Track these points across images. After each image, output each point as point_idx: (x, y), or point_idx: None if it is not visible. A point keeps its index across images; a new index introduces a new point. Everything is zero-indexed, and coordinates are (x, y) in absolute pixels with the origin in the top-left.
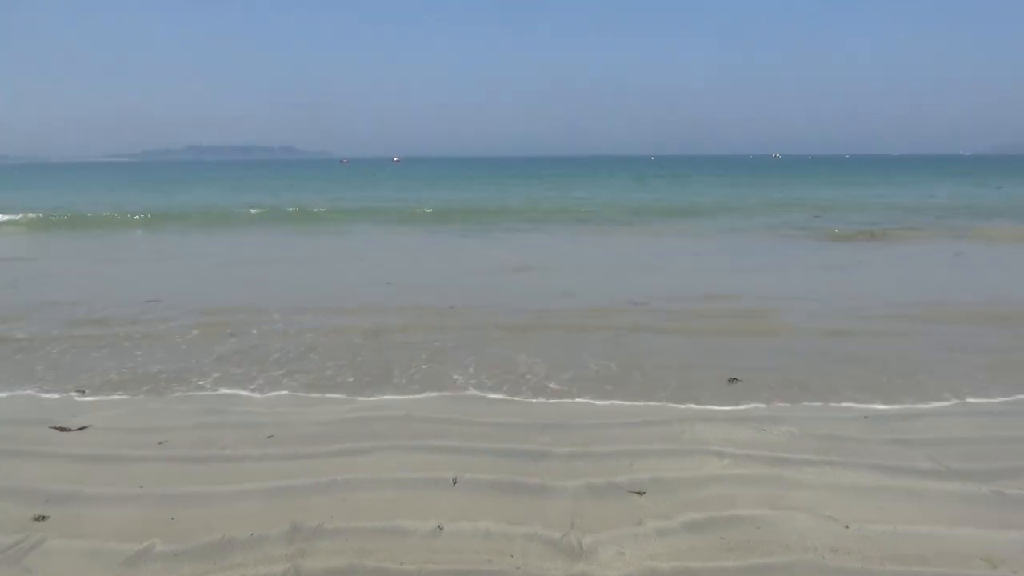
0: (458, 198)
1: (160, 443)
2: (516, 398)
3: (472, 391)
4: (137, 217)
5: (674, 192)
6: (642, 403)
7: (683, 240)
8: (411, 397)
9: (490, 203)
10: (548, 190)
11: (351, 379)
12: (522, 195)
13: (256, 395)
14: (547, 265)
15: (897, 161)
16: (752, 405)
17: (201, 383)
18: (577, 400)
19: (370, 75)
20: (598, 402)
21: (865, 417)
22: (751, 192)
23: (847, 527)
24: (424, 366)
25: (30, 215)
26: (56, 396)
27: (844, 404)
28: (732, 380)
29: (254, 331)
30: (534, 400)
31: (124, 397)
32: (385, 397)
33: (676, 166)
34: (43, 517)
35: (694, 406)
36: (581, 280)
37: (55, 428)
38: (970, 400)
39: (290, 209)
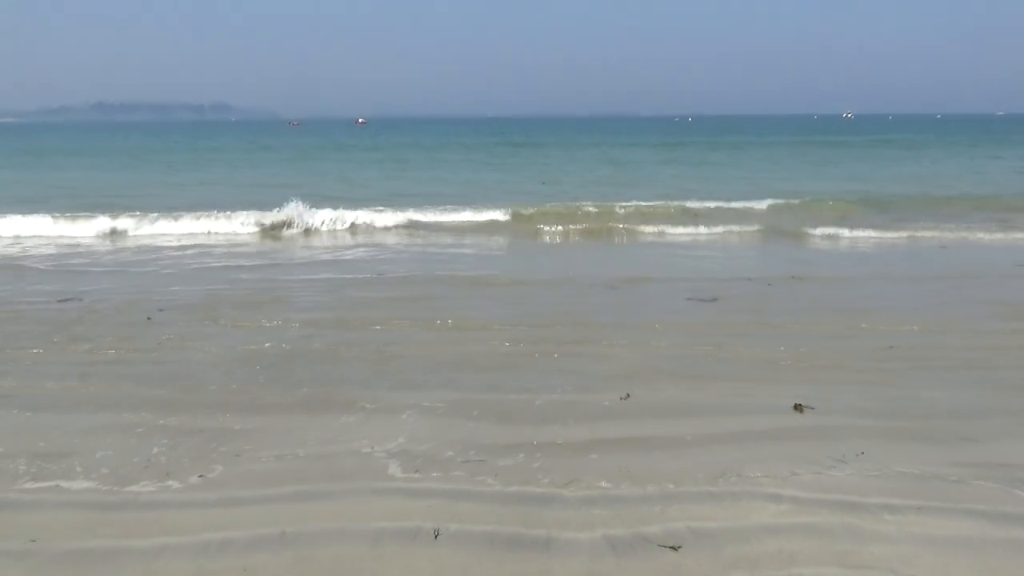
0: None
1: (57, 485)
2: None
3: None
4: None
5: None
6: (679, 433)
7: None
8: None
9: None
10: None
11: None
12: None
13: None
14: None
15: (1010, 123)
16: (819, 436)
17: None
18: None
19: (323, 20)
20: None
21: (961, 449)
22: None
23: None
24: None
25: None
26: None
27: (934, 434)
28: (797, 407)
29: None
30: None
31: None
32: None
33: (737, 129)
34: None
35: (744, 437)
36: None
37: None
38: None
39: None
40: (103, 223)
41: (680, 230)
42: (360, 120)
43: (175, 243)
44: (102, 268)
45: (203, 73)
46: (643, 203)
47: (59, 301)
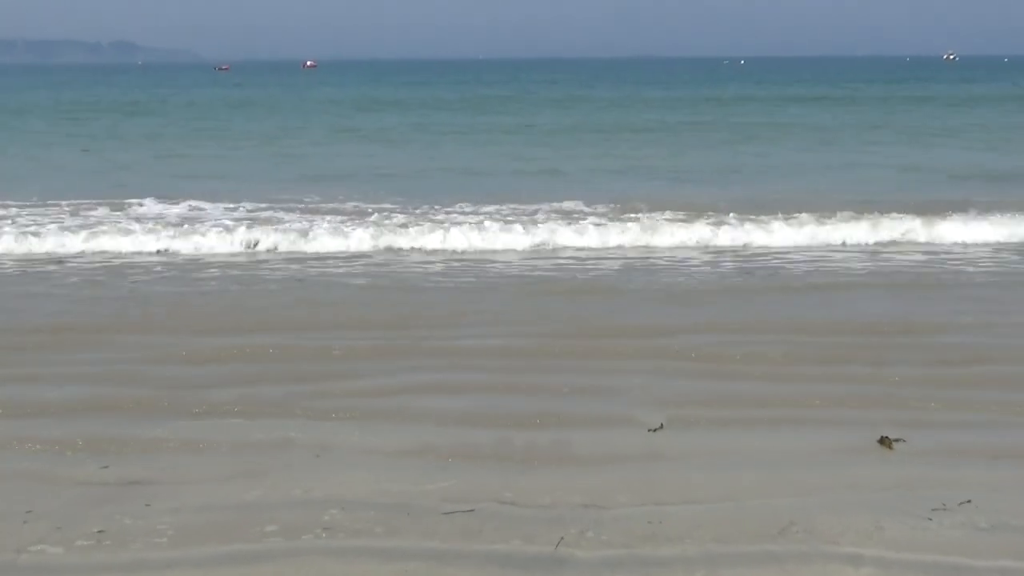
0: None
1: None
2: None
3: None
4: None
5: None
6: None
7: None
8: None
9: None
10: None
11: None
12: None
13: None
14: None
15: None
16: (913, 476)
17: None
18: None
19: None
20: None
21: None
22: None
23: None
24: None
25: None
26: None
27: None
28: (884, 440)
29: None
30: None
31: None
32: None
33: (853, 75)
34: None
35: (814, 479)
36: None
37: None
38: None
39: None
40: None
41: None
42: (309, 63)
43: None
44: None
45: (100, 2)
46: None
47: None
